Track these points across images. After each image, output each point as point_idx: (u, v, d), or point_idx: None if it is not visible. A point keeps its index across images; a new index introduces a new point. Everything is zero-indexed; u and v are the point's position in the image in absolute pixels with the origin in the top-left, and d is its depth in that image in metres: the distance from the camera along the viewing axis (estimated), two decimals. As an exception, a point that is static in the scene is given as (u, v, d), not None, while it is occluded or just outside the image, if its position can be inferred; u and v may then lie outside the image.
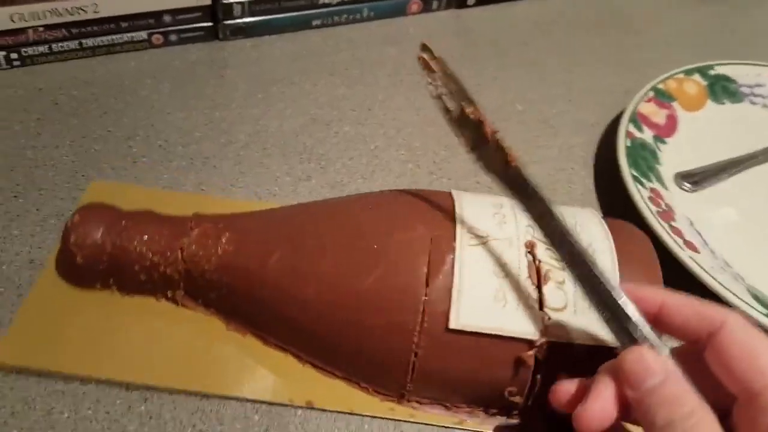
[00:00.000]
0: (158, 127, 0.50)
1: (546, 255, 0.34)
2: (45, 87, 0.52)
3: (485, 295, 0.33)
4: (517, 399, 0.34)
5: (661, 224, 0.42)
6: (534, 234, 0.35)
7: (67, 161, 0.47)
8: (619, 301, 0.28)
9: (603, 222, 0.37)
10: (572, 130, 0.55)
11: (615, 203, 0.47)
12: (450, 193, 0.38)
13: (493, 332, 0.32)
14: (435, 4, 0.65)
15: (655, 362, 0.27)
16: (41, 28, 0.51)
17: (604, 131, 0.55)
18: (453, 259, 0.34)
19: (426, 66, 0.36)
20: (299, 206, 0.42)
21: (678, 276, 0.37)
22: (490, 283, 0.33)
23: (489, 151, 0.34)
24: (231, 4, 0.56)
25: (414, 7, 0.64)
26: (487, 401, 0.36)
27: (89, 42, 0.54)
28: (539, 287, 0.33)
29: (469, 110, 0.35)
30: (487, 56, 0.61)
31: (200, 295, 0.38)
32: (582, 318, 0.33)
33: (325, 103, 0.54)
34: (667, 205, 0.45)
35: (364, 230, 0.36)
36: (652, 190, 0.45)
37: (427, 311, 0.33)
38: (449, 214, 0.36)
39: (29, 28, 0.51)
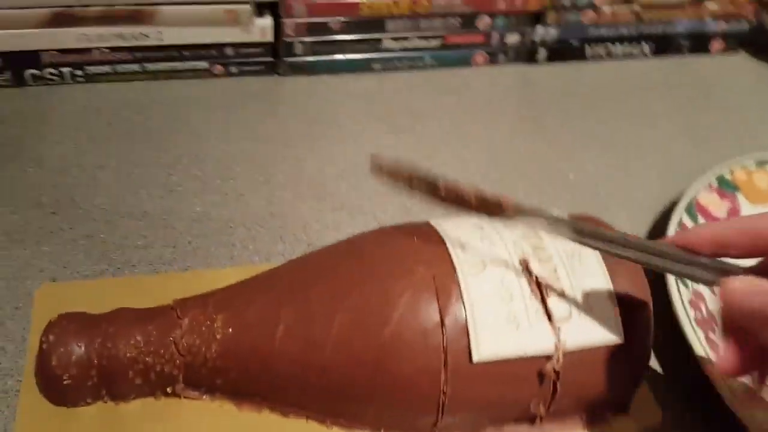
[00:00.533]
0: (200, 156, 0.51)
1: (540, 269, 0.35)
2: (103, 106, 0.54)
3: (499, 321, 0.34)
4: (541, 410, 0.35)
5: (695, 332, 0.39)
6: (523, 249, 0.35)
7: (108, 183, 0.48)
8: (687, 257, 0.31)
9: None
10: (622, 208, 0.52)
11: (654, 299, 0.44)
12: (428, 223, 0.38)
13: (515, 356, 0.33)
14: (502, 58, 0.63)
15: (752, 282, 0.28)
16: (106, 50, 0.53)
17: (657, 216, 0.51)
18: (460, 293, 0.34)
19: (390, 179, 0.37)
20: (290, 267, 0.40)
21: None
22: (500, 309, 0.34)
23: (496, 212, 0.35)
24: (292, 42, 0.57)
25: (479, 59, 0.63)
26: (512, 417, 0.36)
27: (151, 66, 0.56)
28: (544, 302, 0.34)
29: (448, 189, 0.35)
30: (550, 117, 0.59)
31: (204, 383, 0.36)
32: (587, 322, 0.34)
33: (369, 151, 0.53)
34: (709, 312, 0.41)
35: (367, 283, 0.35)
36: (696, 293, 0.42)
37: (449, 349, 0.33)
38: (440, 246, 0.36)
39: (95, 48, 0.53)
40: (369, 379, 0.34)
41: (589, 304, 0.35)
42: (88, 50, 0.53)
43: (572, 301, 0.34)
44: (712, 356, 0.38)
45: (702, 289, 0.43)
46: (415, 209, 0.49)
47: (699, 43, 0.69)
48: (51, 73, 0.54)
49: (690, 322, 0.39)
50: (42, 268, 0.43)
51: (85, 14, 0.51)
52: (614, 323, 0.34)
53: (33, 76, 0.54)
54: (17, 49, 0.52)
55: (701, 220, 0.47)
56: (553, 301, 0.34)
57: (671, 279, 0.42)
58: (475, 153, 0.54)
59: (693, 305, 0.41)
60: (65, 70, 0.54)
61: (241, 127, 0.54)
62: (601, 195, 0.53)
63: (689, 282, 0.42)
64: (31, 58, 0.53)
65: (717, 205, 0.48)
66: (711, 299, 0.43)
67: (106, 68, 0.55)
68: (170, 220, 0.46)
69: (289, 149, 0.53)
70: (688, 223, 0.46)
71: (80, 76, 0.55)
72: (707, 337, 0.39)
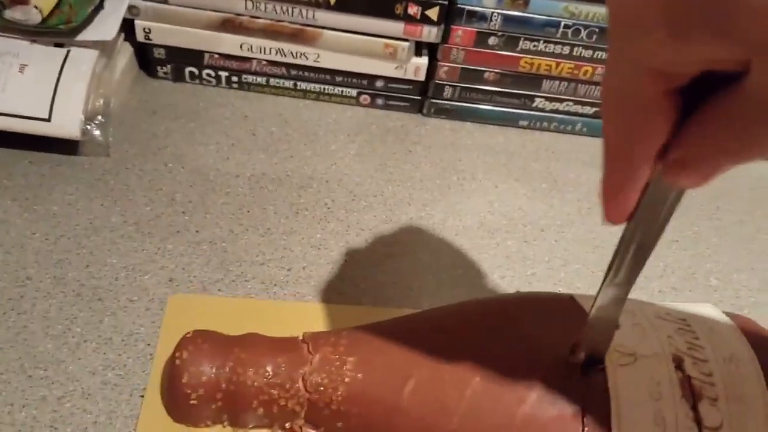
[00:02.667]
0: (332, 183, 0.51)
1: (695, 370, 0.32)
2: (250, 115, 0.55)
3: (645, 421, 0.31)
4: None
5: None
6: (677, 345, 0.33)
7: (240, 193, 0.49)
8: None
9: (732, 322, 0.36)
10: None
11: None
12: (573, 298, 0.36)
13: None
14: (657, 137, 0.59)
15: None
16: (264, 62, 0.55)
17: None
18: (606, 382, 0.32)
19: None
20: (427, 317, 0.40)
21: None
22: (647, 407, 0.31)
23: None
24: (443, 85, 0.56)
25: (633, 134, 0.59)
26: None
27: (303, 85, 0.56)
28: (695, 408, 0.31)
29: None
30: (699, 212, 0.55)
31: (324, 424, 0.36)
32: None
33: (499, 210, 0.52)
34: None
35: (508, 354, 0.34)
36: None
37: None
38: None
39: (254, 59, 0.54)
40: None
41: (743, 416, 0.32)
42: (247, 59, 0.55)
43: (725, 411, 0.31)
44: None
45: None
46: (535, 278, 0.47)
47: None
48: (209, 75, 0.56)
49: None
50: (162, 265, 0.44)
51: (252, 25, 0.53)
52: None
53: (191, 74, 0.56)
54: (184, 46, 0.54)
55: None
56: (704, 407, 0.31)
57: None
58: (614, 236, 0.50)
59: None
60: (223, 74, 0.56)
61: (376, 160, 0.54)
62: (743, 308, 0.48)
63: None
64: (195, 56, 0.55)
65: None
66: None
67: (260, 79, 0.56)
68: (290, 242, 0.46)
69: (418, 192, 0.52)
70: None
71: (235, 83, 0.56)
72: None
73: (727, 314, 0.37)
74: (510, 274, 0.47)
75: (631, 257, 0.29)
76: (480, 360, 0.34)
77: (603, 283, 0.30)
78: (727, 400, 0.32)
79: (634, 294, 0.46)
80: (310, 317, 0.41)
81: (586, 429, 0.31)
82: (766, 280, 0.50)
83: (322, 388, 0.35)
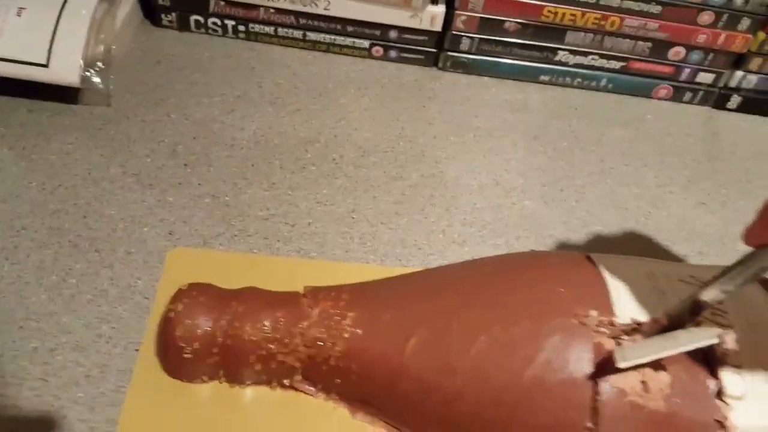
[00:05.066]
0: (340, 138, 0.49)
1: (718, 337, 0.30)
2: (257, 67, 0.53)
3: (654, 341, 0.30)
4: None
5: None
6: (701, 312, 0.30)
7: (244, 147, 0.47)
8: None
9: (760, 285, 0.34)
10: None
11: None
12: (589, 258, 0.34)
13: (670, 353, 0.29)
14: (688, 96, 0.56)
15: None
16: (272, 10, 0.52)
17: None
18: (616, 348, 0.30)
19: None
20: (432, 275, 0.38)
21: None
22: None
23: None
24: (460, 36, 0.53)
25: (662, 92, 0.56)
26: None
27: (312, 36, 0.54)
28: (715, 375, 0.30)
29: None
30: (728, 174, 0.51)
31: (321, 380, 0.35)
32: (763, 405, 0.29)
33: (515, 168, 0.49)
34: None
35: (517, 312, 0.32)
36: None
37: (600, 411, 0.29)
38: (602, 290, 0.32)
39: (262, 6, 0.52)
40: (501, 421, 0.31)
41: None
42: (255, 7, 0.52)
43: (749, 379, 0.30)
44: None
45: None
46: (552, 240, 0.44)
47: None
48: (214, 24, 0.53)
49: None
50: (162, 218, 0.42)
51: (260, -29, 0.50)
52: None
53: (197, 23, 0.53)
54: (189, -7, 0.52)
55: None
56: (726, 375, 0.30)
57: None
58: (638, 198, 0.48)
59: None
60: (229, 23, 0.53)
61: (388, 116, 0.51)
62: None
63: None
64: (200, 4, 0.53)
65: None
66: None
67: (268, 29, 0.53)
68: (295, 197, 0.44)
69: (431, 150, 0.49)
70: None
71: (242, 32, 0.54)
72: None
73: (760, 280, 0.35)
74: (525, 234, 0.45)
75: (749, 276, 0.27)
76: (486, 319, 0.33)
77: (733, 266, 0.28)
78: (752, 368, 0.30)
79: (657, 258, 0.44)
80: (313, 274, 0.40)
81: (598, 396, 0.30)
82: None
83: (320, 343, 0.33)
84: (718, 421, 0.29)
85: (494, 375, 0.31)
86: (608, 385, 0.30)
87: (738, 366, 0.30)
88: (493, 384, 0.31)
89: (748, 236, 0.27)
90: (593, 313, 0.31)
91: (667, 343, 0.29)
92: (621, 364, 0.28)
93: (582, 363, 0.30)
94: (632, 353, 0.29)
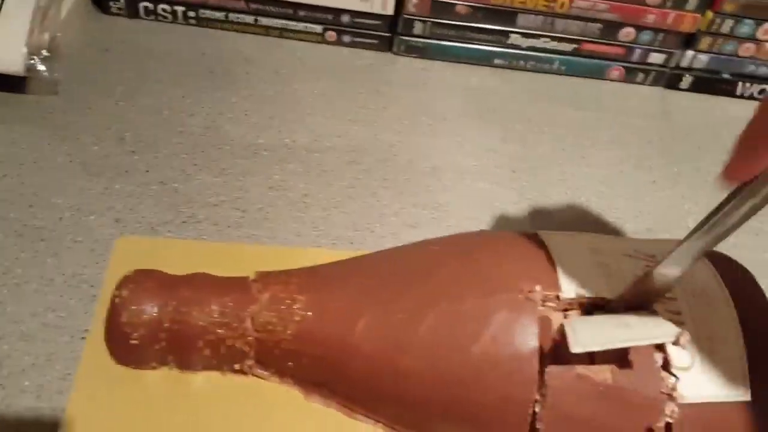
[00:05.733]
0: (293, 124, 0.49)
1: (662, 309, 0.31)
2: (208, 53, 0.52)
3: (607, 325, 0.30)
4: None
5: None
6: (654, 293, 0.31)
7: (194, 132, 0.47)
8: None
9: (706, 258, 0.35)
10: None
11: None
12: (537, 235, 0.35)
13: (624, 345, 0.29)
14: (640, 77, 0.57)
15: None
16: (222, -4, 0.52)
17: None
18: (567, 322, 0.30)
19: None
20: (382, 257, 0.38)
21: None
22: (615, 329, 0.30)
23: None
24: (413, 20, 0.53)
25: (615, 74, 0.56)
26: None
27: (264, 21, 0.53)
28: (662, 348, 0.30)
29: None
30: (682, 153, 0.52)
31: (274, 364, 0.34)
32: (710, 374, 0.30)
33: (470, 152, 0.49)
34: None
35: (464, 289, 0.32)
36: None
37: (548, 382, 0.30)
38: (548, 265, 0.33)
39: (210, -8, 0.51)
40: (449, 397, 0.32)
41: (714, 353, 0.31)
42: (199, -7, 0.52)
43: (695, 349, 0.31)
44: None
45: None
46: (504, 220, 0.45)
47: None
48: (164, 10, 0.53)
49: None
50: (109, 206, 0.41)
51: (209, -45, 0.50)
52: (741, 378, 0.30)
53: (146, 9, 0.53)
54: (137, -20, 0.51)
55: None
56: (672, 347, 0.30)
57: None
58: (588, 177, 0.48)
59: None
60: (179, 9, 0.53)
61: (341, 100, 0.51)
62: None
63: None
64: (149, -9, 0.52)
65: None
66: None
67: (219, 14, 0.53)
68: (246, 183, 0.44)
69: (385, 134, 0.49)
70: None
71: (192, 18, 0.53)
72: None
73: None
74: (478, 215, 0.45)
75: (731, 219, 0.26)
76: (434, 297, 0.33)
77: (690, 234, 0.28)
78: (697, 338, 0.31)
79: (607, 235, 0.44)
80: (264, 260, 0.39)
81: (543, 371, 0.30)
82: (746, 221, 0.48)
83: (270, 327, 0.33)
84: (665, 393, 0.30)
85: (442, 351, 0.32)
86: (555, 354, 0.30)
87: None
88: (441, 360, 0.32)
89: (726, 172, 0.26)
90: (538, 287, 0.32)
91: (621, 331, 0.30)
92: (575, 349, 0.29)
93: (528, 337, 0.31)
94: (586, 338, 0.29)
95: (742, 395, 0.30)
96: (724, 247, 0.45)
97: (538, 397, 0.30)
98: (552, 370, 0.30)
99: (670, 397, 0.30)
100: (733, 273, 0.34)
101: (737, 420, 0.30)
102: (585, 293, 0.32)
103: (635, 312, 0.31)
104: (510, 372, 0.31)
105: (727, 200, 0.26)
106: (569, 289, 0.32)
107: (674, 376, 0.30)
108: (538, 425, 0.30)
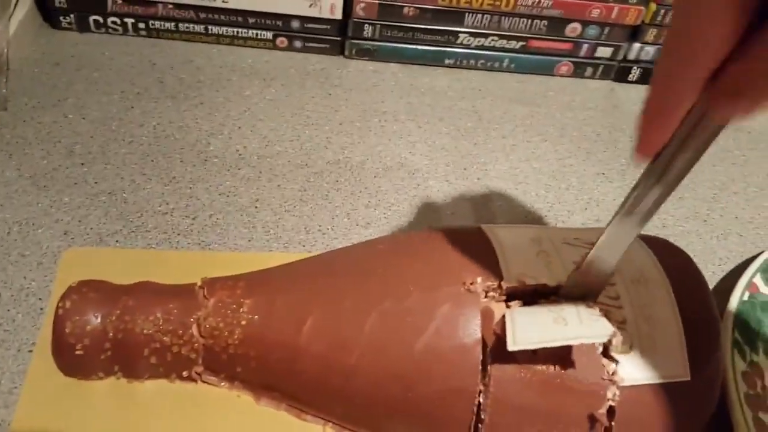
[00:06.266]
0: (244, 130, 0.49)
1: (603, 296, 0.31)
2: (159, 63, 0.53)
3: (544, 316, 0.30)
4: None
5: (743, 411, 0.33)
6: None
7: (144, 142, 0.47)
8: None
9: (644, 244, 0.35)
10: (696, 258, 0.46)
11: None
12: (480, 229, 0.35)
13: (560, 344, 0.29)
14: (589, 71, 0.58)
15: None
16: (171, 6, 0.52)
17: (728, 271, 0.45)
18: (510, 311, 0.31)
19: None
20: (329, 257, 0.38)
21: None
22: (548, 333, 0.30)
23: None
24: (362, 23, 0.54)
25: (564, 69, 0.57)
26: None
27: (215, 29, 0.54)
28: None
29: None
30: (628, 144, 0.53)
31: (223, 370, 0.34)
32: (649, 355, 0.31)
33: (420, 150, 0.50)
34: (765, 388, 0.35)
35: (408, 285, 0.33)
36: (753, 365, 0.36)
37: (490, 372, 0.30)
38: (491, 257, 0.33)
39: (160, 2, 0.52)
40: (396, 391, 0.32)
41: (653, 336, 0.31)
42: (153, 4, 0.52)
43: (634, 332, 0.31)
44: None
45: (763, 363, 0.37)
46: (455, 217, 0.45)
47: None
48: (114, 23, 0.53)
49: (739, 397, 0.34)
50: (58, 218, 0.41)
51: (154, -34, 0.50)
52: (680, 358, 0.31)
53: (96, 23, 0.53)
54: (85, -7, 0.52)
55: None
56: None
57: (728, 347, 0.36)
58: (537, 172, 0.49)
59: (747, 379, 0.35)
60: (129, 21, 0.53)
61: (293, 105, 0.51)
62: (669, 238, 0.47)
63: (747, 352, 0.36)
64: (98, 4, 0.52)
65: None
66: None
67: (169, 25, 0.53)
68: (196, 190, 0.44)
69: (337, 136, 0.50)
70: (759, 283, 0.40)
71: (143, 30, 0.53)
72: (756, 417, 0.34)
73: (642, 236, 0.36)
74: (429, 213, 0.45)
75: (652, 193, 0.26)
76: (379, 294, 0.33)
77: (613, 218, 0.28)
78: (636, 322, 0.31)
79: (555, 227, 0.45)
80: (214, 266, 0.39)
81: (488, 360, 0.30)
82: (693, 208, 0.49)
83: (217, 332, 0.33)
84: (606, 378, 0.30)
85: (388, 348, 0.32)
86: (497, 345, 0.31)
87: (622, 322, 0.31)
88: (387, 356, 0.32)
89: (636, 149, 0.25)
90: (479, 279, 0.32)
91: (558, 329, 0.30)
92: (511, 348, 0.29)
93: (470, 328, 0.31)
94: (523, 337, 0.29)
95: (682, 375, 0.31)
96: (672, 234, 0.46)
97: (481, 387, 0.31)
98: (494, 360, 0.30)
99: (612, 382, 0.30)
100: (671, 257, 0.35)
101: (678, 399, 0.31)
102: (526, 281, 0.32)
103: (575, 303, 0.31)
104: (454, 364, 0.31)
105: (638, 182, 0.26)
106: (511, 277, 0.32)
107: (614, 360, 0.30)
108: (483, 415, 0.31)
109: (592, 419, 0.31)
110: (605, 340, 0.30)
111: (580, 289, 0.31)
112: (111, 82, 0.50)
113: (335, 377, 0.33)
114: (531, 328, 0.30)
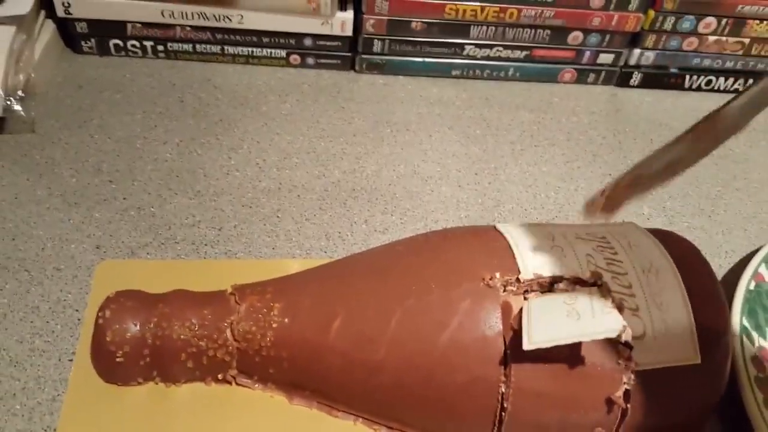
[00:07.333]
0: (263, 144, 0.51)
1: (615, 284, 0.33)
2: (178, 83, 0.55)
3: (558, 311, 0.32)
4: None
5: (754, 393, 0.35)
6: (596, 262, 0.34)
7: (168, 159, 0.49)
8: None
9: (651, 235, 0.37)
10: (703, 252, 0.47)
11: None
12: (495, 227, 0.37)
13: (573, 340, 0.31)
14: (592, 77, 0.60)
15: None
16: (188, 28, 0.54)
17: (734, 264, 0.47)
18: (526, 306, 0.32)
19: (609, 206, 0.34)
20: (351, 260, 0.40)
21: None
22: (563, 323, 0.32)
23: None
24: (372, 39, 0.56)
25: (567, 76, 0.59)
26: None
27: (231, 49, 0.56)
28: None
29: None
30: (636, 147, 0.55)
31: (256, 372, 0.36)
32: (662, 340, 0.32)
33: (432, 158, 0.51)
34: (776, 374, 0.37)
35: (429, 283, 0.34)
36: (762, 350, 0.37)
37: (510, 363, 0.32)
38: (507, 253, 0.35)
39: (177, 25, 0.54)
40: (421, 384, 0.33)
41: (664, 321, 0.33)
42: (171, 27, 0.54)
43: (647, 319, 0.33)
44: None
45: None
46: (468, 220, 0.47)
47: (817, 84, 0.62)
48: (134, 46, 0.55)
49: (749, 380, 0.35)
50: (89, 233, 0.43)
51: (171, -9, 0.52)
52: (691, 342, 0.33)
53: (116, 46, 0.55)
54: (105, 17, 0.54)
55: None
56: (626, 317, 0.32)
57: (737, 333, 0.38)
58: (546, 175, 0.51)
59: (756, 363, 0.37)
60: (148, 44, 0.55)
61: (308, 119, 0.54)
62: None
63: (756, 337, 0.38)
64: (117, 28, 0.54)
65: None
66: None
67: (186, 46, 0.55)
68: (220, 202, 0.46)
69: (351, 147, 0.52)
70: (765, 272, 0.41)
71: (161, 52, 0.56)
72: (767, 399, 0.35)
73: (649, 229, 0.38)
74: (444, 217, 0.47)
75: None
76: (402, 292, 0.35)
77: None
78: (648, 309, 0.33)
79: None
80: (241, 274, 0.41)
81: (507, 350, 0.32)
82: (698, 205, 0.51)
83: (250, 336, 0.35)
84: (621, 363, 0.32)
85: (413, 343, 0.33)
86: (516, 338, 0.32)
87: (635, 309, 0.33)
88: (411, 351, 0.33)
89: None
90: (498, 275, 0.34)
91: (571, 324, 0.31)
92: (527, 347, 0.31)
93: (491, 321, 0.33)
94: (538, 335, 0.31)
95: (693, 359, 0.32)
96: (678, 230, 0.48)
97: (503, 377, 0.32)
98: (514, 351, 0.32)
99: (627, 366, 0.32)
100: (678, 247, 0.36)
101: (689, 381, 0.32)
102: (542, 274, 0.34)
103: (590, 294, 0.33)
104: (477, 355, 0.33)
105: None
106: (528, 272, 0.34)
107: (629, 346, 0.32)
108: (505, 404, 0.32)
109: (609, 403, 0.32)
110: (616, 334, 0.31)
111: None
112: (133, 103, 0.53)
113: (363, 373, 0.34)
114: (545, 326, 0.31)
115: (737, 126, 0.31)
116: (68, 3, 0.53)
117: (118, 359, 0.35)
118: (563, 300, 0.33)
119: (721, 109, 0.30)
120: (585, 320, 0.31)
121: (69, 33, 0.55)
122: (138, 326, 0.35)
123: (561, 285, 0.33)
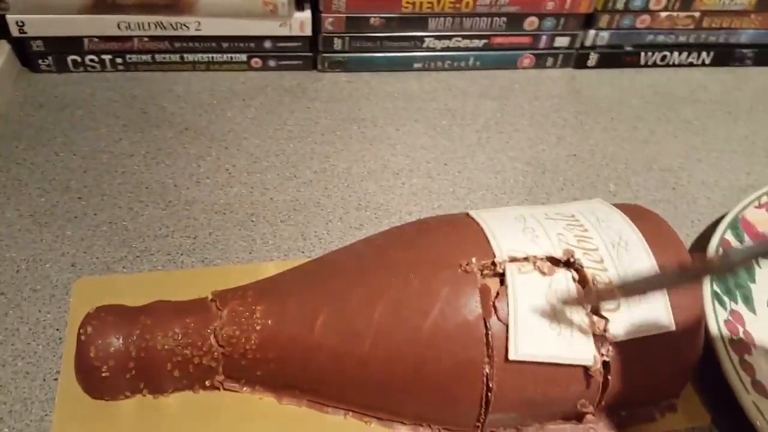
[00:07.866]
0: (231, 149, 0.51)
1: (586, 259, 0.34)
2: (140, 95, 0.54)
3: (542, 320, 0.33)
4: (589, 408, 0.34)
5: (729, 356, 0.36)
6: (567, 240, 0.35)
7: (136, 171, 0.48)
8: None
9: (618, 210, 0.38)
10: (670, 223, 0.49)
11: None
12: (467, 214, 0.38)
13: (551, 361, 0.33)
14: (549, 61, 0.61)
15: None
16: (146, 39, 0.54)
17: (700, 232, 0.48)
18: (504, 288, 0.33)
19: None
20: (329, 258, 0.40)
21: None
22: (543, 303, 0.33)
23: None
24: (331, 37, 0.56)
25: (526, 62, 0.60)
26: (558, 415, 0.36)
27: (190, 57, 0.56)
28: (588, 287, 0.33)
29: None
30: (597, 126, 0.56)
31: (243, 375, 0.36)
32: (636, 311, 0.33)
33: (401, 151, 0.52)
34: (746, 333, 0.38)
35: (409, 274, 0.35)
36: (734, 313, 0.39)
37: (494, 344, 0.33)
38: (481, 237, 0.35)
39: (135, 36, 0.53)
40: (409, 372, 0.34)
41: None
42: (128, 38, 0.54)
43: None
44: (747, 379, 0.35)
45: (742, 310, 0.40)
46: (441, 209, 0.47)
47: (765, 54, 0.65)
48: (92, 60, 0.55)
49: (724, 343, 0.37)
50: (63, 252, 0.43)
51: (125, 2, 0.52)
52: (665, 310, 0.34)
53: (74, 62, 0.55)
54: (61, 34, 0.53)
55: (747, 238, 0.43)
56: (598, 286, 0.33)
57: (707, 297, 0.39)
58: (513, 160, 0.52)
59: (729, 326, 0.38)
60: (106, 57, 0.55)
61: (274, 121, 0.54)
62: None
63: (727, 301, 0.39)
64: (74, 44, 0.54)
65: (765, 223, 0.45)
66: (751, 320, 0.39)
67: (145, 57, 0.55)
68: (193, 211, 0.46)
69: (320, 146, 0.52)
70: (731, 239, 0.43)
71: (121, 64, 0.55)
72: (742, 360, 0.37)
73: (616, 204, 0.39)
74: (417, 209, 0.48)
75: None
76: (383, 284, 0.35)
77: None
78: (622, 283, 0.34)
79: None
80: (220, 280, 0.41)
81: (489, 331, 0.33)
82: (662, 178, 0.52)
83: (234, 340, 0.35)
84: (599, 335, 0.33)
85: (397, 332, 0.34)
86: (496, 319, 0.33)
87: (608, 283, 0.34)
88: (397, 341, 0.34)
89: None
90: (474, 260, 0.35)
91: (555, 345, 0.33)
92: (512, 357, 0.32)
93: (471, 306, 0.33)
94: (524, 348, 0.32)
95: (667, 326, 0.33)
96: (644, 204, 0.49)
97: (486, 358, 0.33)
98: (495, 331, 0.33)
99: (604, 338, 0.33)
100: (644, 219, 0.37)
101: (665, 348, 0.33)
102: (516, 256, 0.35)
103: (578, 311, 0.34)
104: (460, 340, 0.33)
105: None
106: (502, 254, 0.35)
107: (605, 318, 0.33)
108: (490, 383, 0.33)
109: (588, 375, 0.33)
110: (590, 363, 0.33)
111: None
112: (96, 118, 0.52)
113: (350, 367, 0.35)
114: (530, 340, 0.33)
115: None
116: (22, 22, 0.52)
117: (103, 374, 0.35)
118: (543, 288, 0.34)
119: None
120: (564, 342, 0.33)
121: (25, 52, 0.54)
122: (121, 340, 0.35)
123: (538, 263, 0.34)
